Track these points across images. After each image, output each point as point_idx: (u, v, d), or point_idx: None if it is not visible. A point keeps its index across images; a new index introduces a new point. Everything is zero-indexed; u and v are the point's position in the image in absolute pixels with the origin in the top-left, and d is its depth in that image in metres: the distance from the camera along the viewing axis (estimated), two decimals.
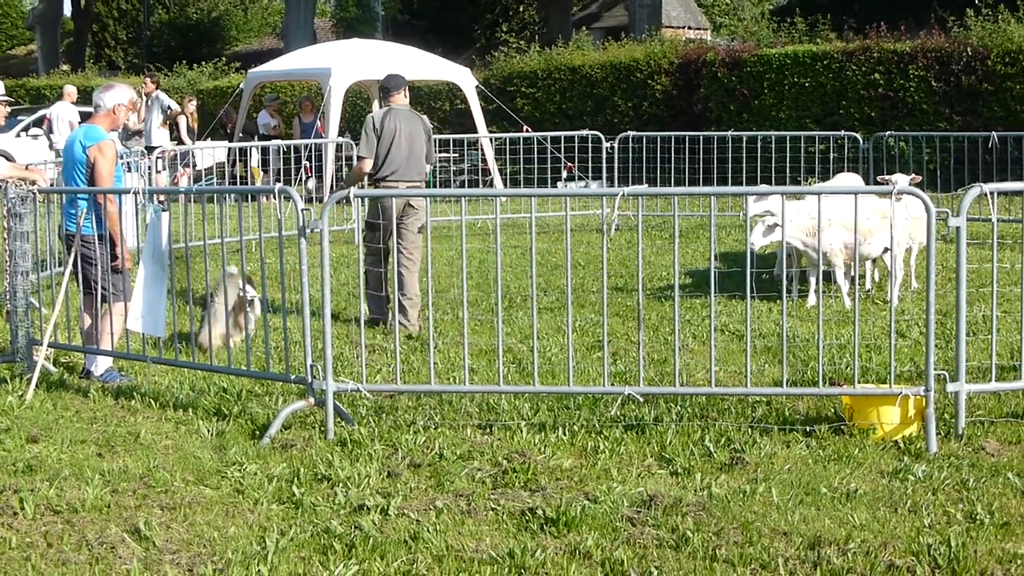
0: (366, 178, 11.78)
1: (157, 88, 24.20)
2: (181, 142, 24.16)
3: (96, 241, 9.52)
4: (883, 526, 6.31)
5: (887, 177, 13.75)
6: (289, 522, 6.54)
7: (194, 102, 26.73)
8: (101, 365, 9.81)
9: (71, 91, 25.69)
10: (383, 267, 11.53)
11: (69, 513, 6.74)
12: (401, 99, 11.77)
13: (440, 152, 23.06)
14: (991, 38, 23.46)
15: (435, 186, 24.04)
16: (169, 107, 23.78)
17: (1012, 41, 22.98)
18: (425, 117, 12.19)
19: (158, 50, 54.63)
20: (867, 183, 18.26)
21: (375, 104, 26.71)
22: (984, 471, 7.11)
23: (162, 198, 17.66)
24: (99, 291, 9.59)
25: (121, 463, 7.57)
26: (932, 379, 7.70)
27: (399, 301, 10.72)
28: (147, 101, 23.74)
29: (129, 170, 16.69)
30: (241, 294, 10.09)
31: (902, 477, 7.03)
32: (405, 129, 11.61)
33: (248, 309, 10.36)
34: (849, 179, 15.58)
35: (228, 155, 21.99)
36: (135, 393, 9.16)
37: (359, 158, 11.72)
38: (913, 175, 13.90)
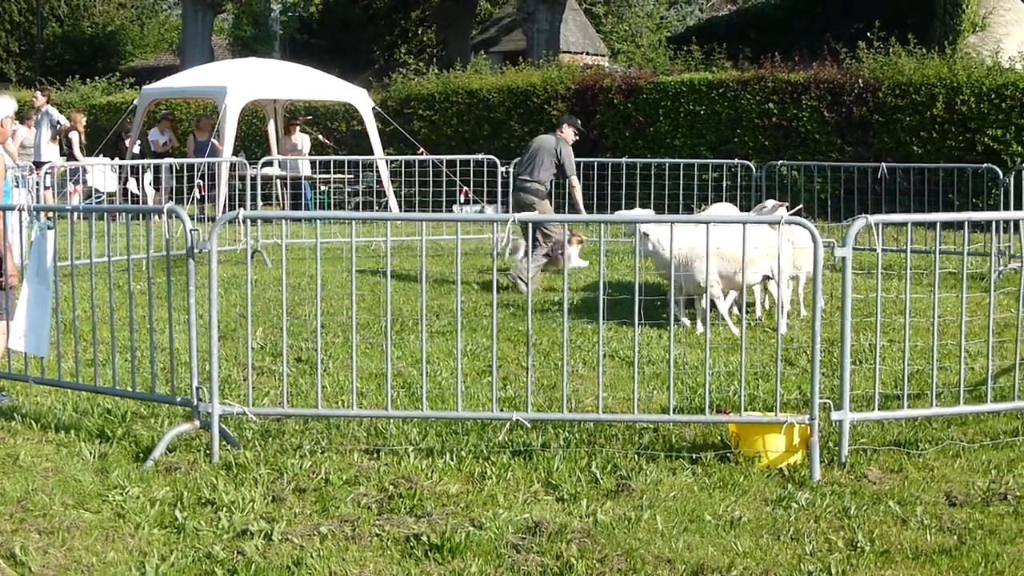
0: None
1: (48, 102, 23.86)
2: (74, 158, 23.83)
3: None
4: (765, 553, 6.36)
5: (763, 204, 13.95)
6: (170, 547, 6.45)
7: (84, 118, 26.40)
8: None
9: None
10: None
11: None
12: (562, 132, 16.07)
13: (335, 173, 22.97)
14: (882, 70, 23.83)
15: (329, 207, 23.99)
16: (59, 122, 23.43)
17: (903, 74, 23.36)
18: (561, 140, 15.86)
19: (51, 63, 53.84)
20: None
21: (270, 123, 26.60)
22: (866, 499, 7.20)
23: (49, 215, 17.37)
24: None
25: None
26: (817, 407, 7.77)
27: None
28: (37, 116, 23.41)
29: (17, 185, 16.40)
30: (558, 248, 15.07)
31: (785, 505, 7.10)
32: (536, 146, 15.98)
33: (561, 255, 14.58)
34: (725, 209, 15.74)
35: (120, 173, 21.71)
36: (15, 414, 8.99)
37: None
38: (785, 203, 14.07)
